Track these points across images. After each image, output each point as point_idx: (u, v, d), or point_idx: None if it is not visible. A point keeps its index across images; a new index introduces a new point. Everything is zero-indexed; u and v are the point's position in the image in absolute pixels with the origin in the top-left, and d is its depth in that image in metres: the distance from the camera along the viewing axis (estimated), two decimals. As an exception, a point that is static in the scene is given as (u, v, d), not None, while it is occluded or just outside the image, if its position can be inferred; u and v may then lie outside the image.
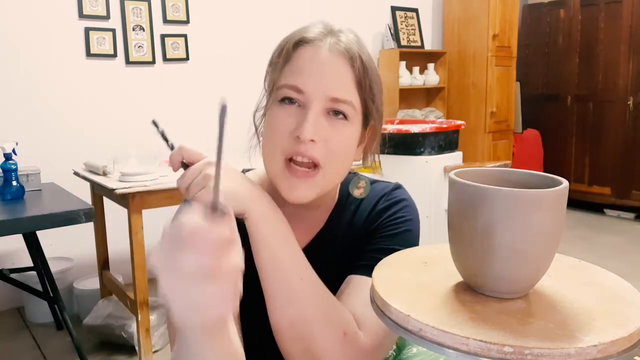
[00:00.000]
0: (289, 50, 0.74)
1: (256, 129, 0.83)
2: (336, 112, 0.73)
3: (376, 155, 0.85)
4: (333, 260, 0.81)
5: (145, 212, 2.11)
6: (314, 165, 0.73)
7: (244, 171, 0.90)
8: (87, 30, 3.01)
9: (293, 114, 0.72)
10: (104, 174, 2.30)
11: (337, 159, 0.74)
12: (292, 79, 0.72)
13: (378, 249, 0.77)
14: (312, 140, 0.70)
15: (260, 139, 0.82)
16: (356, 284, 0.75)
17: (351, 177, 0.87)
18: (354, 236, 0.82)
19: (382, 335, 0.70)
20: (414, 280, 0.60)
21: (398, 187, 0.87)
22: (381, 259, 0.65)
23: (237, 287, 0.45)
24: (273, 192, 0.80)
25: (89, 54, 3.03)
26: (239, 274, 0.46)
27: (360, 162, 0.85)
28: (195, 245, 0.42)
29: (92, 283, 2.78)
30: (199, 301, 0.44)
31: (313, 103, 0.71)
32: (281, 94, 0.73)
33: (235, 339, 0.58)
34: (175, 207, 0.86)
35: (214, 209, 0.43)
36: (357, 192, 0.85)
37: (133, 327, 2.32)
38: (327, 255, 0.81)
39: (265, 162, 0.77)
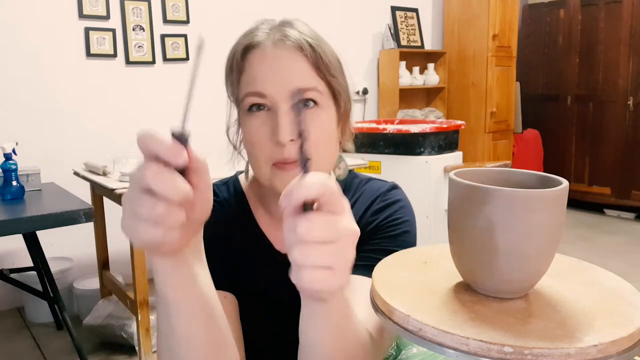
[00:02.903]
0: (239, 60, 0.75)
1: (234, 146, 0.83)
2: (305, 102, 0.73)
3: (351, 134, 0.85)
4: None
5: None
6: None
7: (237, 173, 0.90)
8: (87, 30, 3.01)
9: (265, 119, 0.72)
10: (104, 174, 2.30)
11: (321, 147, 0.74)
12: (252, 86, 0.72)
13: (377, 249, 0.77)
14: (292, 140, 0.71)
15: (241, 149, 0.82)
16: (356, 285, 0.75)
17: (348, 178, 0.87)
18: None
19: (386, 337, 0.70)
20: (414, 280, 0.60)
21: (394, 187, 0.87)
22: (381, 260, 0.65)
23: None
24: (268, 191, 0.81)
25: (89, 54, 3.03)
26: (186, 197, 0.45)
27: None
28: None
29: (92, 283, 2.78)
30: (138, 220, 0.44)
31: (280, 102, 0.71)
32: (247, 103, 0.73)
33: (205, 285, 0.55)
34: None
35: (180, 135, 0.44)
36: (337, 172, 0.86)
37: (133, 327, 2.32)
38: None
39: (254, 170, 0.78)
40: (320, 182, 0.44)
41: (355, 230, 0.47)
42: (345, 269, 0.47)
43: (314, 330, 0.56)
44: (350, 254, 0.47)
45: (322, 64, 0.74)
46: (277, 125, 0.70)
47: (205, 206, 0.50)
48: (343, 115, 0.81)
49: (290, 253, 0.44)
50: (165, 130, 0.44)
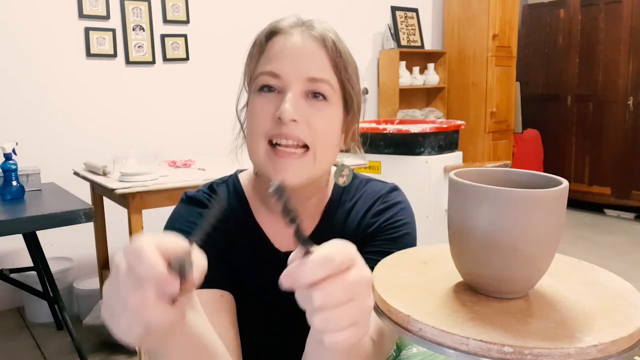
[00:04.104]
0: (262, 42, 0.76)
1: (241, 126, 0.83)
2: (315, 94, 0.73)
3: (357, 140, 0.85)
4: None
5: (145, 212, 2.10)
6: (304, 146, 0.72)
7: (238, 171, 0.90)
8: (87, 30, 3.01)
9: (272, 99, 0.73)
10: (104, 174, 2.30)
11: (323, 139, 0.74)
12: (268, 65, 0.73)
13: (378, 251, 0.77)
14: (294, 121, 0.71)
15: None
16: None
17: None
18: (349, 237, 0.82)
19: (386, 339, 0.70)
20: (414, 280, 0.60)
21: (395, 188, 0.86)
22: None
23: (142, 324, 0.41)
24: (267, 188, 0.80)
25: (89, 54, 3.03)
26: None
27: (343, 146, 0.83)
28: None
29: (92, 283, 2.78)
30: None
31: (291, 85, 0.72)
32: (259, 82, 0.74)
33: (200, 331, 0.54)
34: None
35: (180, 270, 0.41)
36: (341, 180, 0.85)
37: (133, 327, 2.32)
38: None
39: (250, 151, 0.77)
40: (323, 262, 0.42)
41: (368, 276, 0.45)
42: (367, 317, 0.45)
43: (322, 355, 0.55)
44: (369, 302, 0.45)
45: (341, 61, 0.75)
46: (282, 103, 0.71)
47: (196, 283, 0.47)
48: (350, 119, 0.80)
49: (312, 321, 0.43)
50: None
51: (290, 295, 0.84)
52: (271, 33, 0.76)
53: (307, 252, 0.43)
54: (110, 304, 0.42)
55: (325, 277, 0.42)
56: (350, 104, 0.78)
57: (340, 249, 0.44)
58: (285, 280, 0.43)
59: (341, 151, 0.83)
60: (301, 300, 0.43)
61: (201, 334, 0.55)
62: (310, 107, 0.73)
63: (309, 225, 0.84)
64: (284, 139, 0.71)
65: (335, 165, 0.84)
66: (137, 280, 0.40)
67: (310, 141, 0.72)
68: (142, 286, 0.40)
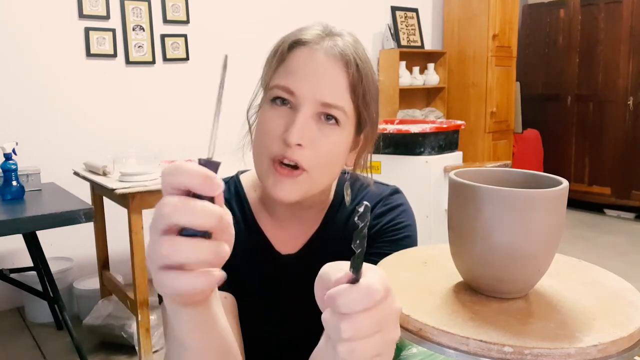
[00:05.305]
0: (284, 51, 0.74)
1: (249, 127, 0.82)
2: (328, 117, 0.72)
3: (367, 162, 0.84)
4: (329, 261, 0.81)
5: (145, 212, 2.11)
6: (299, 167, 0.72)
7: (239, 173, 0.90)
8: (87, 30, 3.01)
9: (283, 115, 0.72)
10: (104, 174, 2.30)
11: (324, 163, 0.73)
12: (285, 80, 0.72)
13: (379, 253, 0.77)
14: (299, 145, 0.70)
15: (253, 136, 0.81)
16: None
17: (347, 179, 0.86)
18: (350, 239, 0.82)
19: None
20: (414, 280, 0.60)
21: (396, 191, 0.86)
22: None
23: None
24: (265, 192, 0.80)
25: (89, 54, 3.03)
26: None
27: (350, 168, 0.83)
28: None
29: (92, 283, 2.78)
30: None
31: (303, 106, 0.70)
32: (273, 93, 0.73)
33: (223, 323, 0.54)
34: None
35: (208, 162, 0.41)
36: (346, 199, 0.85)
37: (133, 327, 2.32)
38: (322, 256, 0.81)
39: (254, 160, 0.77)
40: (366, 295, 0.41)
41: (398, 308, 0.45)
42: (392, 349, 0.45)
43: None
44: (396, 334, 0.45)
45: (360, 87, 0.73)
46: (291, 124, 0.70)
47: (229, 243, 0.46)
48: (361, 146, 0.79)
49: (337, 349, 0.42)
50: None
51: (289, 297, 0.84)
52: (294, 43, 0.73)
53: (354, 280, 0.42)
54: (157, 257, 0.40)
55: (361, 310, 0.42)
56: (362, 129, 0.77)
57: (382, 280, 0.43)
58: (327, 301, 0.42)
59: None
60: (328, 324, 0.42)
61: (228, 336, 0.55)
62: (319, 131, 0.72)
63: (310, 229, 0.84)
64: (285, 160, 0.71)
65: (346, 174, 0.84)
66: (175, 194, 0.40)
67: (309, 164, 0.71)
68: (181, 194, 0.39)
